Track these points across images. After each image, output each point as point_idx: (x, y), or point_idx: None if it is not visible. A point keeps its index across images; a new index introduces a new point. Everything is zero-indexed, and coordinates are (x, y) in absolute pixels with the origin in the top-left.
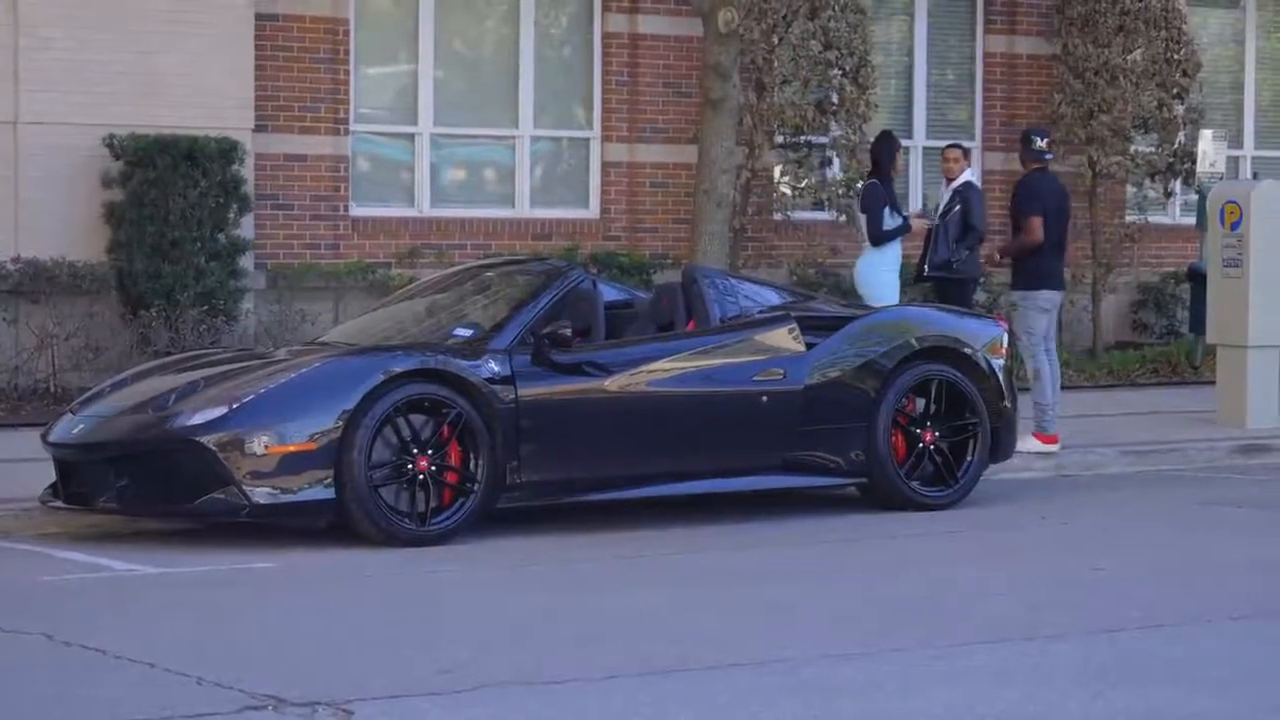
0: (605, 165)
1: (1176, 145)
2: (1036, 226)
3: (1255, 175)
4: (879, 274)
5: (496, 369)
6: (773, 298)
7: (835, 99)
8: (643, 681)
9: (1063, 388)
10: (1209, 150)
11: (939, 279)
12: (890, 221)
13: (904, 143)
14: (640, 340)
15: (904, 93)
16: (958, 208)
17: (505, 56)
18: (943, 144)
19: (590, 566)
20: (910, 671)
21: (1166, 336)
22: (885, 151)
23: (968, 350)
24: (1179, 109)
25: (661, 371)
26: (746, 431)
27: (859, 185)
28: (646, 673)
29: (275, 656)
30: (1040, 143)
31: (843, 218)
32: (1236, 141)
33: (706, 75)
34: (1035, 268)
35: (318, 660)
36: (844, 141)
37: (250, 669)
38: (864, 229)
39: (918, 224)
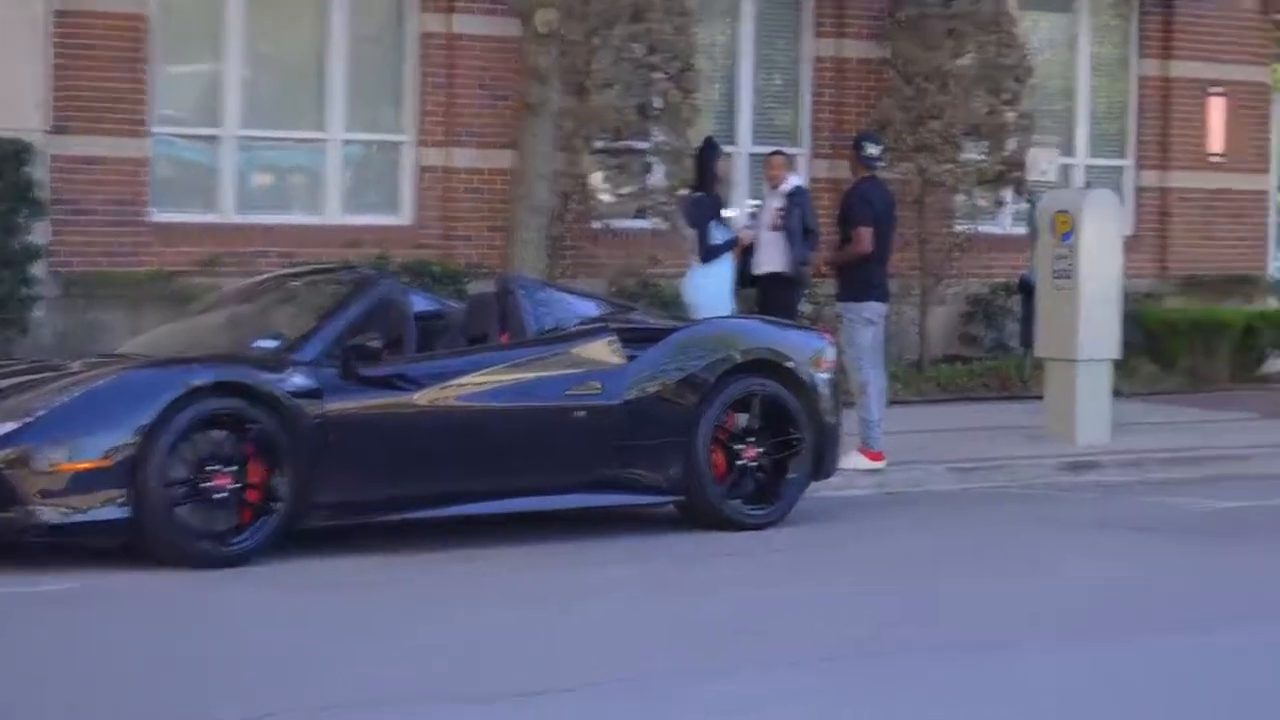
0: (419, 170)
1: (1007, 153)
2: (866, 237)
3: (1088, 185)
4: (708, 289)
5: (301, 382)
6: (591, 309)
7: (658, 103)
8: (448, 710)
9: (890, 402)
10: (1040, 158)
11: (772, 282)
12: (719, 235)
13: (728, 149)
14: (452, 353)
15: (729, 97)
16: (797, 212)
17: (315, 56)
18: (768, 150)
19: (393, 589)
20: (715, 695)
21: (996, 350)
22: (708, 159)
23: (791, 364)
24: (1010, 116)
25: (474, 385)
26: (562, 447)
27: (682, 195)
28: (448, 700)
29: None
30: (873, 149)
31: (665, 225)
32: (1069, 149)
33: (525, 78)
34: (862, 279)
35: (75, 690)
36: (666, 147)
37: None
38: (691, 244)
39: (745, 235)
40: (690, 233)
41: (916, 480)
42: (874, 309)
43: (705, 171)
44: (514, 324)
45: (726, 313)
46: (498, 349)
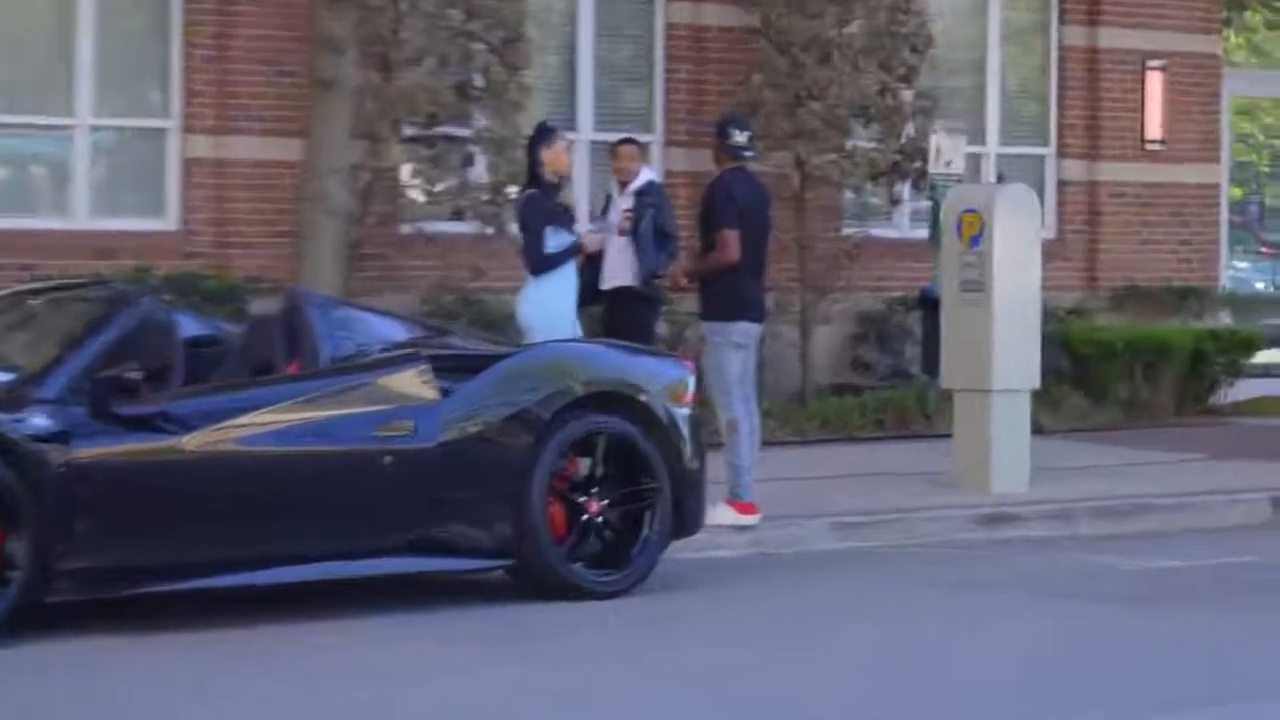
0: (187, 163)
1: (904, 140)
2: (733, 242)
3: (1000, 177)
4: (545, 306)
5: (43, 424)
6: (399, 332)
7: (479, 81)
8: None
9: (764, 444)
10: (944, 146)
11: (623, 299)
12: (554, 242)
13: (569, 136)
14: (230, 386)
15: (566, 74)
16: (650, 213)
17: (60, 26)
18: (615, 138)
19: (162, 674)
20: None
21: (893, 378)
22: (539, 149)
23: (644, 397)
24: (906, 95)
25: (256, 426)
26: (366, 501)
27: (511, 192)
28: None
29: None
30: (739, 136)
31: (489, 230)
32: (978, 136)
33: (316, 50)
34: (730, 293)
35: None
36: (490, 134)
37: None
38: (523, 252)
39: (589, 241)
40: (523, 239)
41: (795, 538)
42: (744, 330)
43: (538, 164)
44: (305, 350)
45: (567, 335)
46: (286, 381)
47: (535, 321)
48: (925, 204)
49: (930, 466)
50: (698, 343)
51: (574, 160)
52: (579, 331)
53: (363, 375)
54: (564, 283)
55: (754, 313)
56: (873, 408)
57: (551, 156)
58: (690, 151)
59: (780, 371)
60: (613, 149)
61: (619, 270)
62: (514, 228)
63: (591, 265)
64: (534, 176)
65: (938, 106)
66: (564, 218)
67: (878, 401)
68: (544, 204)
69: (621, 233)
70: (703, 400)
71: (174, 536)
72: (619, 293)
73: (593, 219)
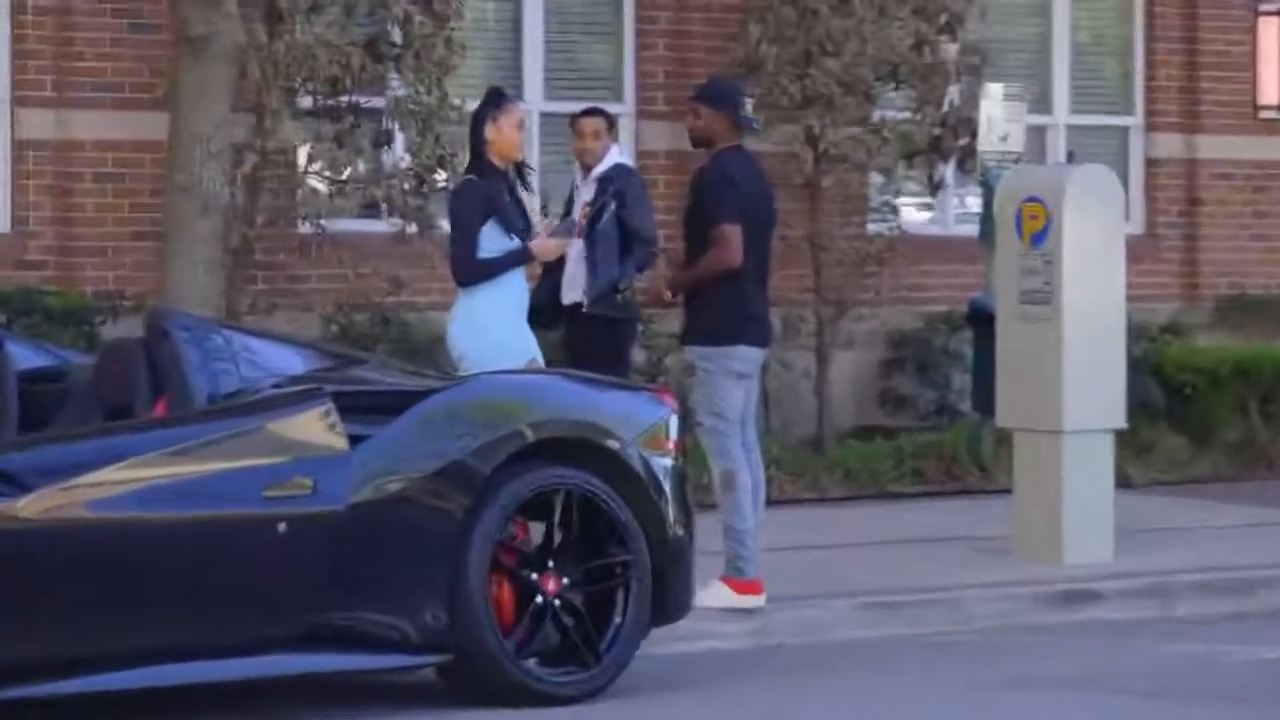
0: (17, 145)
1: (946, 108)
2: (735, 241)
3: (1071, 156)
4: (486, 327)
5: None
6: (296, 362)
7: (397, 36)
8: None
9: (769, 502)
10: (997, 116)
11: (590, 319)
12: (494, 244)
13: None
14: (77, 435)
15: (510, 27)
16: (612, 206)
17: None
18: (574, 109)
19: None
20: None
21: (936, 417)
22: (482, 123)
23: (613, 443)
24: (949, 50)
25: (111, 485)
26: (253, 581)
27: (440, 180)
28: None
29: None
30: (748, 107)
31: (412, 229)
32: (1042, 102)
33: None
34: (728, 307)
35: None
36: (413, 105)
37: None
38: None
39: (547, 246)
40: (450, 239)
41: (811, 624)
42: (745, 356)
43: (481, 142)
44: (174, 387)
45: (513, 364)
46: (149, 427)
47: (469, 347)
48: (975, 191)
49: (985, 530)
50: (683, 373)
51: (525, 138)
52: (536, 359)
53: (249, 419)
54: (507, 296)
55: (758, 333)
56: (910, 455)
57: (495, 133)
58: (671, 126)
59: (791, 409)
60: (573, 122)
61: (580, 280)
62: (444, 225)
63: (551, 275)
64: (476, 159)
65: (988, 65)
66: (511, 213)
67: (916, 447)
68: (481, 193)
69: (580, 233)
70: (690, 447)
71: (6, 628)
72: (581, 310)
73: (547, 215)
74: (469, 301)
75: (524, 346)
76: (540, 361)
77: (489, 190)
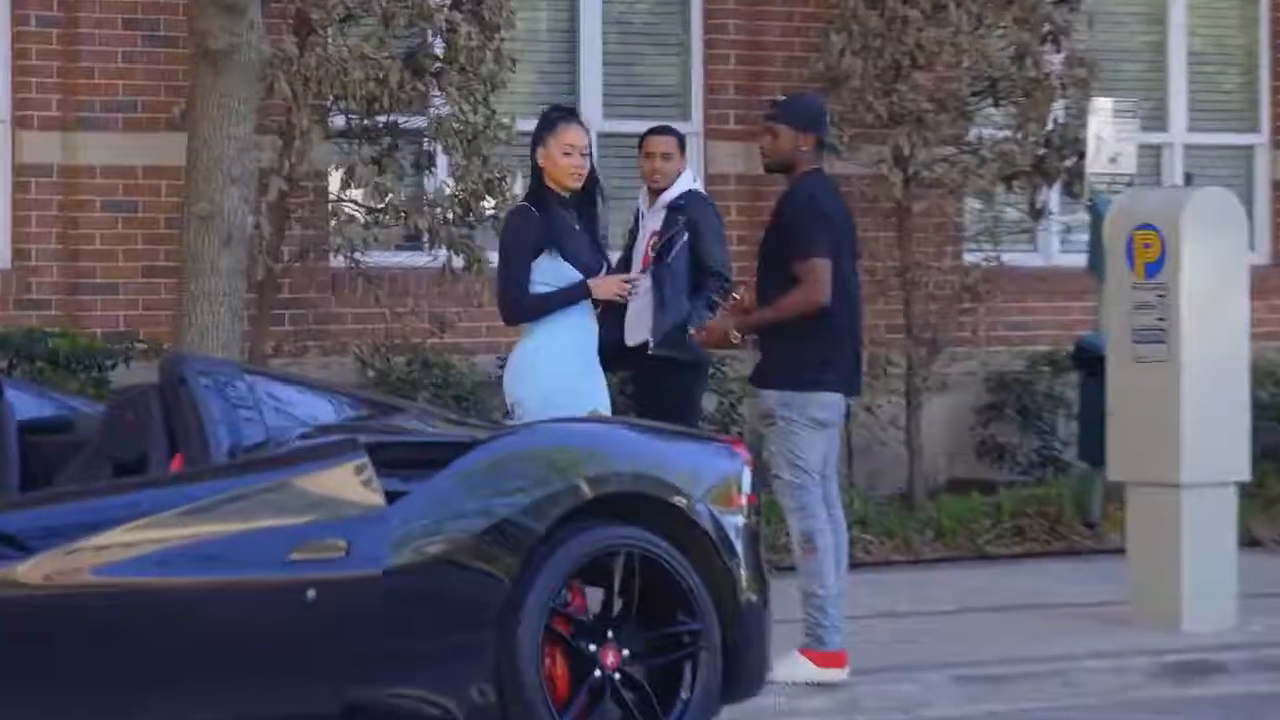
0: (18, 171)
1: (1051, 126)
2: (824, 276)
3: (1189, 179)
4: (541, 371)
5: None
6: (327, 411)
7: (440, 49)
8: None
9: (854, 564)
10: (1107, 134)
11: (656, 362)
12: (549, 276)
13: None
14: (84, 492)
15: (565, 42)
16: (684, 238)
17: None
18: (640, 129)
19: None
20: None
21: (1040, 469)
22: (540, 147)
23: (680, 500)
24: (1054, 61)
25: (122, 547)
26: (280, 653)
27: (488, 208)
28: None
29: None
30: (833, 128)
31: (456, 261)
32: (1157, 119)
33: (202, 9)
34: (810, 348)
35: None
36: (457, 125)
37: None
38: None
39: (607, 284)
40: (497, 272)
41: (905, 699)
42: (829, 403)
43: (536, 168)
44: (192, 439)
45: (574, 412)
46: (164, 483)
47: (525, 393)
48: (1082, 218)
49: (1095, 595)
50: (759, 421)
51: (587, 160)
52: (601, 408)
53: (274, 473)
54: (569, 336)
55: (843, 377)
56: (1010, 512)
57: (546, 159)
58: (744, 148)
59: (878, 461)
60: (641, 142)
61: (646, 319)
62: (494, 258)
63: (612, 312)
64: (533, 184)
65: (1098, 77)
66: (574, 244)
67: (1017, 502)
68: (533, 221)
69: (645, 266)
70: (765, 504)
71: (4, 704)
72: (643, 351)
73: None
74: (526, 343)
75: (588, 393)
76: (606, 411)
77: (546, 219)
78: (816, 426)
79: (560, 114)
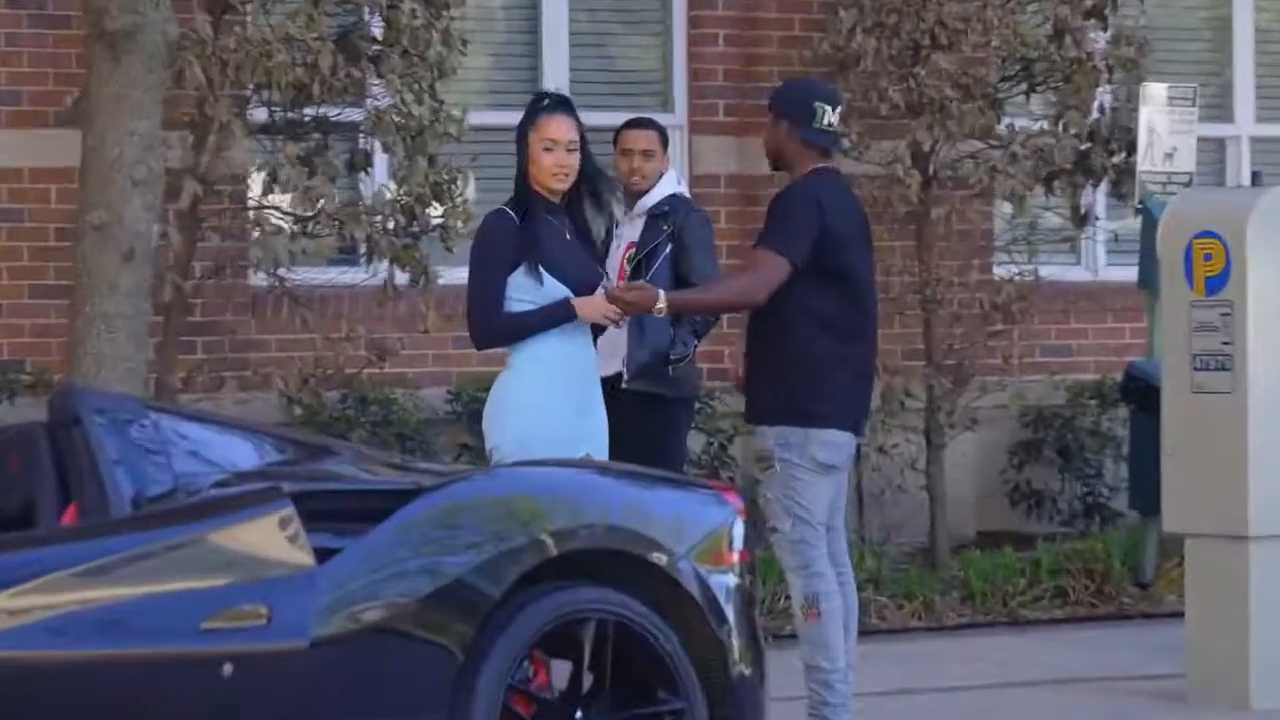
0: None
1: (1095, 116)
2: (771, 274)
3: (1256, 177)
4: (519, 406)
5: None
6: (247, 453)
7: (379, 30)
8: None
9: (865, 631)
10: (1161, 126)
11: (633, 397)
12: (525, 295)
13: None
14: None
15: (525, 20)
16: (666, 251)
17: None
18: (613, 122)
19: None
20: None
21: (1084, 519)
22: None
23: (660, 557)
24: (1098, 39)
25: (5, 615)
26: None
27: (434, 214)
28: None
29: None
30: (829, 114)
31: (399, 278)
32: (1220, 108)
33: None
34: (810, 377)
35: None
36: (399, 119)
37: None
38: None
39: (592, 305)
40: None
41: None
42: (833, 442)
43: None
44: (87, 487)
45: (548, 452)
46: (55, 539)
47: (502, 434)
48: (1133, 223)
49: (1148, 667)
50: (758, 464)
51: (574, 156)
52: (596, 452)
53: (185, 528)
54: (555, 366)
55: (850, 412)
56: (1049, 569)
57: (527, 154)
58: (737, 143)
59: (894, 511)
60: (617, 137)
61: (621, 346)
62: (442, 273)
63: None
64: (518, 186)
65: (1150, 59)
66: (563, 254)
67: (1058, 558)
68: (508, 229)
69: (622, 281)
70: (761, 561)
71: None
72: (617, 384)
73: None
74: (505, 375)
75: (581, 434)
76: (602, 456)
77: (530, 225)
78: (820, 470)
79: (543, 103)
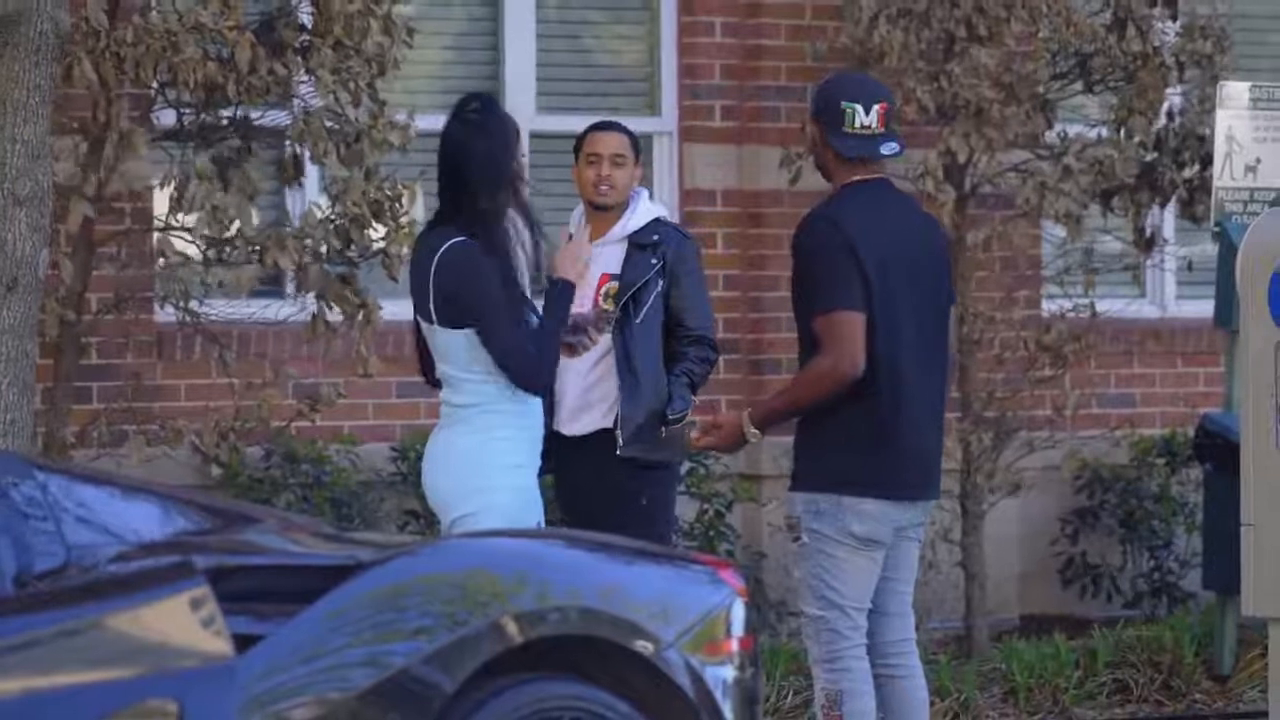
0: None
1: (1163, 122)
2: (851, 335)
3: None
4: (483, 465)
5: None
6: (153, 522)
7: (308, 18)
8: None
9: None
10: (1241, 133)
11: (612, 460)
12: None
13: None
14: None
15: (486, 6)
16: (658, 288)
17: None
18: (580, 126)
19: None
20: None
21: (1150, 600)
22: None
23: (644, 645)
24: (1167, 31)
25: None
26: None
27: (376, 236)
28: None
29: None
30: (862, 116)
31: (332, 313)
32: None
33: None
34: (849, 435)
35: None
36: (332, 123)
37: None
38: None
39: (570, 258)
40: (438, 332)
41: None
42: (874, 514)
43: (479, 182)
44: None
45: (517, 518)
46: None
47: (480, 495)
48: (1209, 249)
49: None
50: (787, 534)
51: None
52: (538, 517)
53: (80, 610)
54: (517, 416)
55: (899, 476)
56: (1108, 660)
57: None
58: (737, 152)
59: (925, 591)
60: (580, 142)
61: (595, 400)
62: (385, 308)
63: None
64: (454, 201)
65: (1228, 54)
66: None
67: (1118, 647)
68: (485, 262)
69: (600, 326)
70: (766, 652)
71: None
72: (595, 443)
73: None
74: (462, 438)
75: (524, 494)
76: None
77: (500, 259)
78: (856, 544)
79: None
